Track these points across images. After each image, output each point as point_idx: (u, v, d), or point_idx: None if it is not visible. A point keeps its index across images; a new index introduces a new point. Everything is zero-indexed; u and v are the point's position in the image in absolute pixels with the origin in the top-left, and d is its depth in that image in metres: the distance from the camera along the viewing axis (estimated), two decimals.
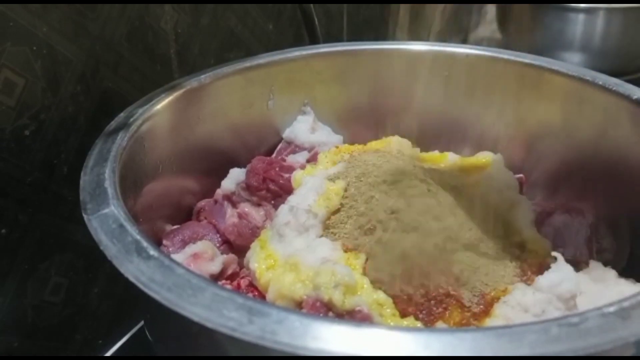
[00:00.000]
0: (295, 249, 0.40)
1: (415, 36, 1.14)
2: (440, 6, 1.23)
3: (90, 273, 0.52)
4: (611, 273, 0.43)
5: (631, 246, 0.46)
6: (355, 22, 0.92)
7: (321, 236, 0.42)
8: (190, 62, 0.60)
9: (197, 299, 0.26)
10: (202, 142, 0.51)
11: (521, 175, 0.53)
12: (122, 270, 0.29)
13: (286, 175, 0.49)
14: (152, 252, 0.29)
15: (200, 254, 0.42)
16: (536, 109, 0.54)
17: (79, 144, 0.48)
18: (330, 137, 0.57)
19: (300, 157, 0.54)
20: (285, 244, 0.41)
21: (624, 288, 0.41)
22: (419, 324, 0.36)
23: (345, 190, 0.44)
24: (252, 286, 0.41)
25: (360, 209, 0.42)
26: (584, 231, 0.46)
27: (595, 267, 0.44)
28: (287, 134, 0.57)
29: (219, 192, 0.50)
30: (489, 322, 0.36)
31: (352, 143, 0.55)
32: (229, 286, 0.42)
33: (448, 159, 0.53)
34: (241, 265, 0.44)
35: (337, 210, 0.43)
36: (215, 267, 0.42)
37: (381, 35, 1.02)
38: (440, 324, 0.36)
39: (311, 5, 0.72)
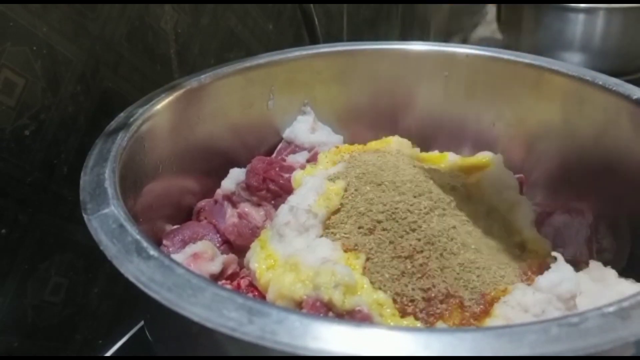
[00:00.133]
0: (295, 249, 0.40)
1: (415, 36, 1.14)
2: (441, 6, 1.23)
3: (90, 273, 0.52)
4: (611, 273, 0.43)
5: (631, 246, 0.46)
6: (355, 22, 0.92)
7: (321, 236, 0.42)
8: (190, 62, 0.60)
9: (197, 299, 0.26)
10: (202, 142, 0.51)
11: (521, 175, 0.53)
12: (122, 270, 0.29)
13: (286, 175, 0.49)
14: (152, 252, 0.29)
15: (200, 254, 0.42)
16: (536, 109, 0.54)
17: (79, 144, 0.48)
18: (330, 137, 0.57)
19: (300, 157, 0.54)
20: (285, 244, 0.41)
21: (624, 288, 0.41)
22: (419, 324, 0.36)
23: (345, 190, 0.44)
24: (252, 286, 0.41)
25: (360, 209, 0.42)
26: (584, 231, 0.46)
27: (595, 267, 0.44)
28: (287, 134, 0.57)
29: (219, 192, 0.50)
30: (489, 322, 0.36)
31: (352, 143, 0.55)
32: (229, 286, 0.42)
33: (448, 159, 0.53)
34: (241, 265, 0.44)
35: (337, 210, 0.43)
36: (215, 267, 0.42)
37: (381, 35, 1.02)
38: (440, 324, 0.36)
39: (311, 5, 0.72)
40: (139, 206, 0.40)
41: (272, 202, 0.48)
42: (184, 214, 0.50)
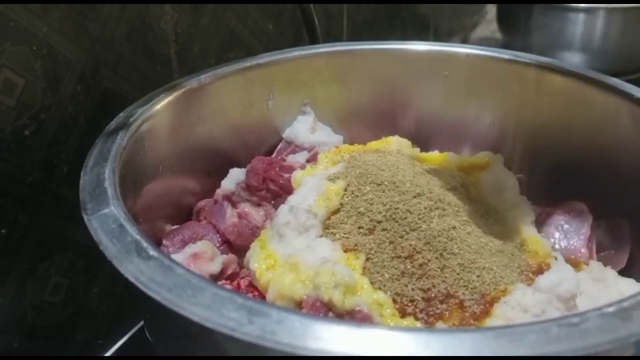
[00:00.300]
0: (295, 249, 0.40)
1: (415, 36, 1.14)
2: (441, 6, 1.23)
3: (90, 273, 0.52)
4: (611, 273, 0.43)
5: (631, 246, 0.46)
6: (355, 22, 0.92)
7: (321, 236, 0.42)
8: (190, 62, 0.60)
9: (197, 299, 0.26)
10: (202, 142, 0.51)
11: (521, 175, 0.53)
12: (122, 270, 0.29)
13: (286, 175, 0.49)
14: (152, 252, 0.29)
15: (200, 254, 0.42)
16: (536, 109, 0.54)
17: (79, 144, 0.48)
18: (330, 137, 0.57)
19: (300, 157, 0.54)
20: (285, 244, 0.41)
21: (624, 288, 0.41)
22: (419, 324, 0.36)
23: (345, 190, 0.44)
24: (252, 286, 0.41)
25: (360, 209, 0.42)
26: (584, 231, 0.46)
27: (595, 267, 0.44)
28: (287, 134, 0.57)
29: (219, 192, 0.50)
30: (489, 322, 0.36)
31: (352, 143, 0.55)
32: (229, 286, 0.42)
33: (448, 159, 0.53)
34: (241, 265, 0.44)
35: (337, 210, 0.43)
36: (215, 267, 0.42)
37: (381, 35, 1.01)
38: (440, 324, 0.36)
39: (311, 5, 0.72)
40: (139, 206, 0.40)
41: (272, 202, 0.48)
42: (184, 214, 0.50)
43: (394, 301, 0.37)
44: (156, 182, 0.44)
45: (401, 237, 0.40)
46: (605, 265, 0.44)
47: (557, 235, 0.46)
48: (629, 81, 0.48)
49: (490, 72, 0.55)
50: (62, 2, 0.44)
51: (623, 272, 0.44)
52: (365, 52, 0.58)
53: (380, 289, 0.37)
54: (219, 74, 0.51)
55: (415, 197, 0.43)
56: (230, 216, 0.47)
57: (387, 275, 0.38)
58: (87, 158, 0.38)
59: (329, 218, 0.43)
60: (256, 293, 0.40)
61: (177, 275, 0.28)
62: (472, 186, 0.48)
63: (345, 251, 0.40)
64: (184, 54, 0.59)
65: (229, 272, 0.43)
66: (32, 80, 0.43)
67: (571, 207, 0.48)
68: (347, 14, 0.89)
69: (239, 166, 0.51)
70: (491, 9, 1.33)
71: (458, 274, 0.39)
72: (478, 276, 0.39)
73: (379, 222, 0.41)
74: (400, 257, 0.39)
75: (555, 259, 0.42)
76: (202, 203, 0.50)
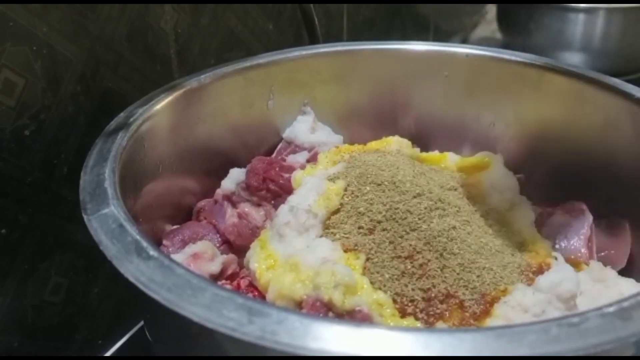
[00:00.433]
0: (295, 249, 0.40)
1: (415, 36, 1.14)
2: (441, 6, 1.23)
3: (90, 273, 0.52)
4: (611, 273, 0.43)
5: (631, 246, 0.46)
6: (355, 22, 0.92)
7: (321, 236, 0.42)
8: (190, 62, 0.60)
9: (197, 299, 0.26)
10: (202, 142, 0.51)
11: (521, 175, 0.53)
12: (122, 270, 0.29)
13: (286, 175, 0.49)
14: (152, 252, 0.29)
15: (200, 254, 0.42)
16: (536, 109, 0.54)
17: (79, 144, 0.48)
18: (330, 137, 0.57)
19: (300, 157, 0.54)
20: (285, 244, 0.41)
21: (624, 288, 0.41)
22: (419, 324, 0.36)
23: (345, 190, 0.44)
24: (252, 286, 0.41)
25: (360, 209, 0.42)
26: (584, 231, 0.46)
27: (595, 267, 0.44)
28: (287, 134, 0.57)
29: (219, 192, 0.50)
30: (489, 322, 0.36)
31: (352, 143, 0.55)
32: (229, 286, 0.42)
33: (448, 159, 0.53)
34: (241, 265, 0.44)
35: (337, 210, 0.43)
36: (215, 267, 0.42)
37: (381, 35, 1.01)
38: (440, 324, 0.36)
39: (311, 5, 0.72)
40: (139, 206, 0.40)
41: (272, 202, 0.48)
42: (184, 214, 0.50)
43: (394, 301, 0.37)
44: (156, 182, 0.44)
45: (401, 237, 0.40)
46: (605, 265, 0.44)
47: (557, 235, 0.46)
48: (629, 81, 0.48)
49: (490, 72, 0.55)
50: (62, 2, 0.44)
51: (623, 272, 0.44)
52: (365, 52, 0.58)
53: (380, 289, 0.37)
54: (219, 74, 0.51)
55: (415, 197, 0.43)
56: (230, 216, 0.47)
57: (387, 275, 0.38)
58: (87, 158, 0.38)
59: (329, 218, 0.43)
60: (256, 293, 0.40)
61: (177, 275, 0.28)
62: (472, 186, 0.48)
63: (345, 251, 0.40)
64: (184, 54, 0.59)
65: (229, 272, 0.43)
66: (32, 80, 0.43)
67: (571, 207, 0.48)
68: (347, 14, 0.89)
69: (239, 166, 0.51)
70: (491, 9, 1.33)
71: (458, 274, 0.39)
72: (478, 276, 0.39)
73: (379, 222, 0.41)
74: (400, 257, 0.39)
75: (555, 259, 0.42)
76: (202, 203, 0.50)
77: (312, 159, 0.53)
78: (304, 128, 0.56)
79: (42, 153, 0.45)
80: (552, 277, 0.38)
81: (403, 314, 0.37)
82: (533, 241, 0.44)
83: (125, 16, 0.51)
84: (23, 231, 0.45)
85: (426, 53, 0.58)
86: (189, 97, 0.49)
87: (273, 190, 0.48)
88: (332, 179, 0.46)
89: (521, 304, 0.37)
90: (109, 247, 0.30)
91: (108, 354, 0.52)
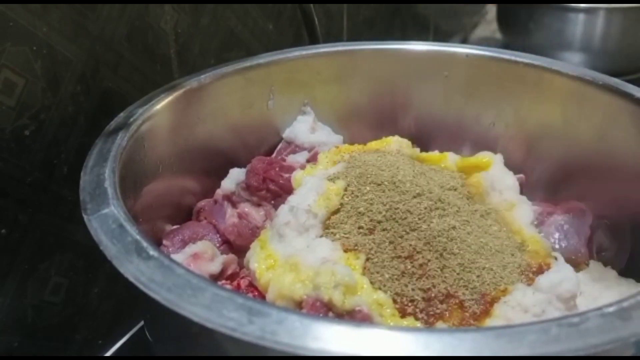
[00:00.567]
0: (295, 249, 0.40)
1: (415, 36, 1.14)
2: (441, 6, 1.23)
3: (90, 273, 0.52)
4: (611, 273, 0.43)
5: (631, 246, 0.46)
6: (355, 22, 0.92)
7: (321, 236, 0.42)
8: (190, 62, 0.60)
9: (197, 299, 0.26)
10: (202, 142, 0.51)
11: (521, 175, 0.53)
12: (122, 270, 0.29)
13: (286, 175, 0.49)
14: (152, 252, 0.29)
15: (200, 254, 0.42)
16: (536, 109, 0.54)
17: (79, 144, 0.48)
18: (330, 137, 0.57)
19: (300, 157, 0.54)
20: (285, 244, 0.41)
21: (624, 288, 0.41)
22: (419, 324, 0.36)
23: (345, 190, 0.44)
24: (252, 286, 0.41)
25: (360, 209, 0.42)
26: (584, 231, 0.46)
27: (595, 267, 0.44)
28: (287, 134, 0.57)
29: (219, 192, 0.50)
30: (489, 322, 0.36)
31: (352, 143, 0.55)
32: (229, 286, 0.42)
33: (448, 159, 0.53)
34: (241, 265, 0.44)
35: (337, 210, 0.43)
36: (215, 267, 0.42)
37: (381, 35, 1.01)
38: (440, 324, 0.36)
39: (311, 5, 0.72)
40: (139, 206, 0.40)
41: (272, 202, 0.48)
42: (184, 214, 0.50)
43: (394, 301, 0.37)
44: (156, 182, 0.44)
45: (401, 237, 0.40)
46: (605, 265, 0.44)
47: (557, 235, 0.46)
48: (629, 81, 0.48)
49: (490, 72, 0.55)
50: (62, 2, 0.44)
51: (623, 272, 0.44)
52: (365, 52, 0.58)
53: (380, 289, 0.37)
54: (219, 74, 0.51)
55: (415, 197, 0.43)
56: (230, 216, 0.47)
57: (387, 275, 0.38)
58: (87, 158, 0.38)
59: (329, 218, 0.43)
60: (256, 293, 0.40)
61: (177, 275, 0.28)
62: (472, 186, 0.48)
63: (345, 251, 0.40)
64: (184, 54, 0.59)
65: (229, 272, 0.43)
66: (32, 80, 0.43)
67: (571, 207, 0.48)
68: (347, 14, 0.89)
69: (239, 166, 0.51)
70: (491, 9, 1.33)
71: (458, 274, 0.39)
72: (478, 276, 0.39)
73: (379, 222, 0.41)
74: (400, 257, 0.39)
75: (555, 259, 0.42)
76: (202, 203, 0.50)
77: (312, 159, 0.53)
78: (304, 128, 0.56)
79: (42, 153, 0.45)
80: (552, 277, 0.38)
81: (403, 314, 0.37)
82: (533, 241, 0.44)
83: (125, 16, 0.51)
84: (23, 231, 0.45)
85: (426, 53, 0.58)
86: (189, 97, 0.49)
87: (273, 190, 0.48)
88: (332, 179, 0.46)
89: (521, 304, 0.37)
90: (109, 247, 0.30)
91: (108, 354, 0.52)
